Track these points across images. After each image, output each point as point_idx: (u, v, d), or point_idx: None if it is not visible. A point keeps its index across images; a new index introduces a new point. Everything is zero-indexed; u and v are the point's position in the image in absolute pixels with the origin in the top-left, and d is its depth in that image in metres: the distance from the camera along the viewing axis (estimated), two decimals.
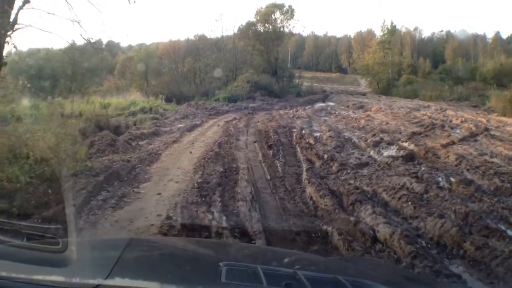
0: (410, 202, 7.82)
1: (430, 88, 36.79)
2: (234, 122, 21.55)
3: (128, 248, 2.70)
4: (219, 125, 19.98)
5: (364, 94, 41.38)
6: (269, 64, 42.26)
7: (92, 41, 13.85)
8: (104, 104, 27.15)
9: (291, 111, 27.21)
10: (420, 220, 7.07)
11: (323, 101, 36.17)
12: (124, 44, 77.86)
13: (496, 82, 37.03)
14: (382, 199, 8.41)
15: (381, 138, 15.28)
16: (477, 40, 62.05)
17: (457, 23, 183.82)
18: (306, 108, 29.85)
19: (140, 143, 15.36)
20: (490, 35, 62.97)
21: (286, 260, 2.95)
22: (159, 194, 8.70)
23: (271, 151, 13.20)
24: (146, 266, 2.51)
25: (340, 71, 66.71)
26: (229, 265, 2.32)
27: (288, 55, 51.70)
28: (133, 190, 8.98)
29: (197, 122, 21.29)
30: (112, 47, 63.34)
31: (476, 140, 15.46)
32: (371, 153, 13.35)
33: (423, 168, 11.05)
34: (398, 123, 20.15)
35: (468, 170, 10.63)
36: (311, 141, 15.17)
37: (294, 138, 16.21)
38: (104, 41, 61.46)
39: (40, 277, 2.09)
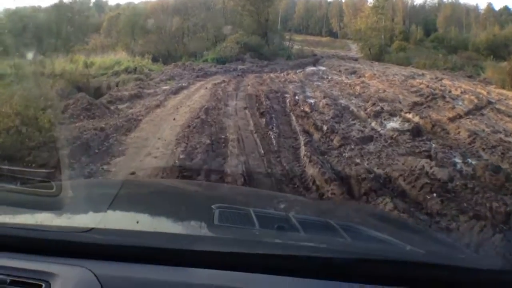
0: (435, 194, 6.39)
1: (424, 56, 35.02)
2: (222, 85, 19.82)
3: (122, 190, 2.70)
4: (206, 88, 18.31)
5: (356, 59, 39.51)
6: (259, 26, 40.21)
7: None
8: (87, 63, 25.58)
9: (282, 75, 25.44)
10: (451, 219, 5.68)
11: (314, 65, 34.38)
12: (112, 2, 75.23)
13: (489, 53, 35.53)
14: (399, 187, 6.96)
15: (382, 108, 13.87)
16: (469, 11, 60.52)
17: None
18: (297, 72, 28.09)
19: (120, 106, 13.82)
20: (482, 6, 61.49)
21: (278, 203, 2.95)
22: (133, 173, 7.25)
23: (264, 120, 11.73)
24: (140, 208, 2.45)
25: (331, 35, 64.32)
26: (221, 207, 2.25)
27: (278, 17, 49.56)
28: (102, 168, 7.60)
29: (183, 84, 19.63)
30: (100, 5, 61.40)
31: (482, 114, 14.09)
32: (373, 124, 11.97)
33: (434, 145, 9.77)
34: (395, 92, 18.61)
35: (484, 150, 9.39)
36: (307, 109, 13.68)
37: (288, 104, 14.70)
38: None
39: (34, 221, 2.01)
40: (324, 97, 16.21)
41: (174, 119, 11.71)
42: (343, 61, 37.12)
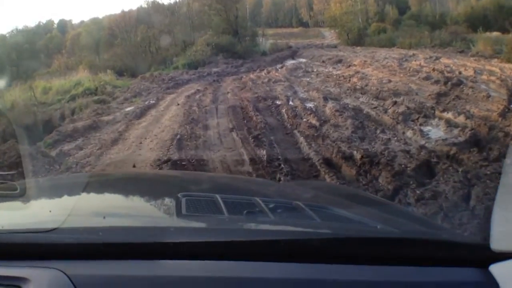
0: None
1: (408, 35, 31.32)
2: (197, 96, 15.90)
3: (88, 185, 2.56)
4: (178, 104, 14.29)
5: (335, 47, 35.69)
6: (228, 24, 36.17)
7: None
8: (46, 88, 21.77)
9: (262, 73, 21.61)
10: None
11: (293, 58, 30.69)
12: (76, 20, 70.24)
13: (469, 25, 31.92)
14: None
15: (407, 107, 10.17)
16: None
17: None
18: (277, 67, 24.36)
19: (66, 148, 9.93)
20: None
21: (244, 187, 2.94)
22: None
23: (262, 150, 7.84)
24: (106, 203, 2.32)
25: (302, 25, 60.41)
26: (188, 195, 2.08)
27: (246, 13, 45.66)
28: None
29: (151, 101, 15.73)
30: (64, 25, 56.95)
31: None
32: (410, 134, 8.35)
33: None
34: (403, 80, 14.91)
35: None
36: (313, 121, 9.89)
37: (286, 116, 10.84)
38: (56, 20, 56.05)
39: None
40: (324, 98, 12.46)
41: (133, 165, 7.76)
42: (322, 50, 33.38)
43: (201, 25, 37.67)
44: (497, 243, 1.41)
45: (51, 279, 1.40)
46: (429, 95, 11.67)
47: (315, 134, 8.55)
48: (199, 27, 37.40)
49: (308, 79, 18.35)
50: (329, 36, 46.07)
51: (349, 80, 16.10)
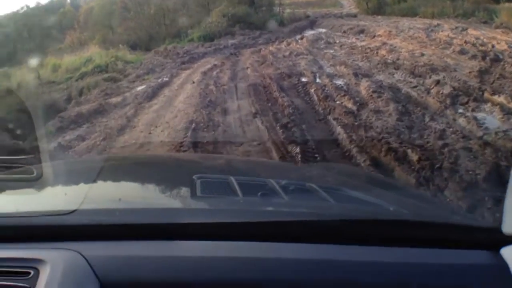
0: None
1: (430, 5, 29.34)
2: (214, 72, 14.34)
3: (104, 167, 2.58)
4: (193, 82, 12.78)
5: (354, 16, 33.47)
6: None
7: None
8: (56, 66, 20.44)
9: (282, 45, 19.99)
10: None
11: (312, 28, 28.98)
12: None
13: None
14: None
15: (452, 87, 8.66)
16: None
17: None
18: (297, 38, 22.73)
19: (67, 138, 8.57)
20: None
21: (258, 169, 2.92)
22: None
23: (295, 145, 6.39)
24: (122, 186, 2.36)
25: None
26: (202, 177, 2.10)
27: None
28: None
29: (164, 79, 14.24)
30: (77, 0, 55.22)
31: None
32: (464, 123, 6.94)
33: None
34: (436, 53, 13.28)
35: None
36: (349, 105, 8.40)
37: (316, 98, 9.33)
38: None
39: (15, 208, 1.80)
40: (355, 75, 11.01)
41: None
42: (342, 19, 31.46)
43: None
44: (509, 226, 1.36)
45: (68, 260, 1.38)
46: (470, 72, 10.09)
47: (355, 123, 7.09)
48: None
49: (331, 51, 16.80)
50: (347, 5, 44.04)
51: (377, 53, 14.59)
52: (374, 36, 19.68)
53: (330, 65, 13.46)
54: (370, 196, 2.19)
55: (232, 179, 2.05)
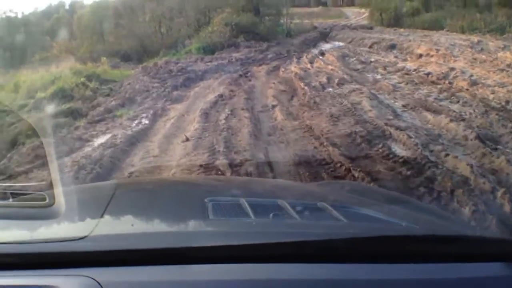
0: None
1: (457, 17, 23.56)
2: (221, 113, 8.45)
3: (115, 193, 2.27)
4: (187, 140, 6.77)
5: (370, 28, 27.65)
6: (248, 0, 28.51)
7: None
8: (17, 85, 14.54)
9: (303, 64, 14.36)
10: None
11: (326, 41, 23.28)
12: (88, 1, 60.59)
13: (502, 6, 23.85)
14: None
15: None
16: None
17: None
18: (316, 53, 17.32)
19: None
20: None
21: (268, 190, 2.71)
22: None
23: None
24: (135, 211, 2.06)
25: (320, 5, 52.31)
26: (214, 200, 1.94)
27: None
28: None
29: (143, 121, 8.41)
30: (74, 6, 48.77)
31: None
32: None
33: None
34: None
35: None
36: None
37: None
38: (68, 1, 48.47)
39: (28, 235, 1.68)
40: (480, 140, 5.31)
41: None
42: (358, 32, 25.78)
43: (217, 1, 29.01)
44: None
45: (82, 286, 1.28)
46: None
47: None
48: (214, 4, 28.83)
49: (377, 76, 11.36)
50: (353, 16, 38.55)
51: (451, 84, 9.63)
52: (421, 56, 14.07)
53: (407, 108, 7.79)
54: (382, 213, 1.99)
55: (244, 200, 1.92)
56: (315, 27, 30.52)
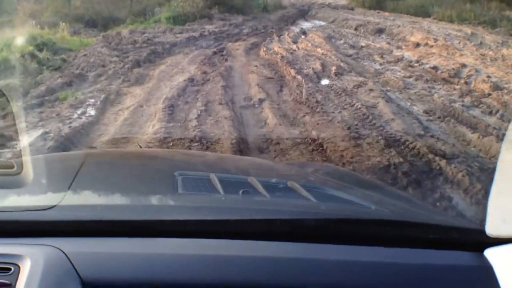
0: None
1: (445, 5, 21.45)
2: (193, 109, 6.26)
3: (84, 163, 2.10)
4: (140, 146, 4.85)
5: (351, 9, 25.40)
6: None
7: None
8: None
9: (287, 44, 12.23)
10: None
11: (305, 19, 21.14)
12: None
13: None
14: None
15: None
16: None
17: None
18: (296, 32, 15.18)
19: None
20: None
21: (239, 167, 2.51)
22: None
23: None
24: (103, 182, 1.94)
25: None
26: (184, 174, 1.82)
27: None
28: None
29: (87, 113, 6.14)
30: None
31: None
32: None
33: None
34: None
35: None
36: None
37: None
38: None
39: None
40: None
41: None
42: (339, 12, 23.55)
43: None
44: (492, 228, 1.23)
45: (48, 256, 1.20)
46: None
47: None
48: None
49: (376, 65, 9.43)
50: None
51: (467, 84, 7.80)
52: (418, 45, 12.07)
53: (432, 116, 5.85)
54: (353, 196, 1.89)
55: (214, 176, 1.77)
56: (293, 4, 28.09)
